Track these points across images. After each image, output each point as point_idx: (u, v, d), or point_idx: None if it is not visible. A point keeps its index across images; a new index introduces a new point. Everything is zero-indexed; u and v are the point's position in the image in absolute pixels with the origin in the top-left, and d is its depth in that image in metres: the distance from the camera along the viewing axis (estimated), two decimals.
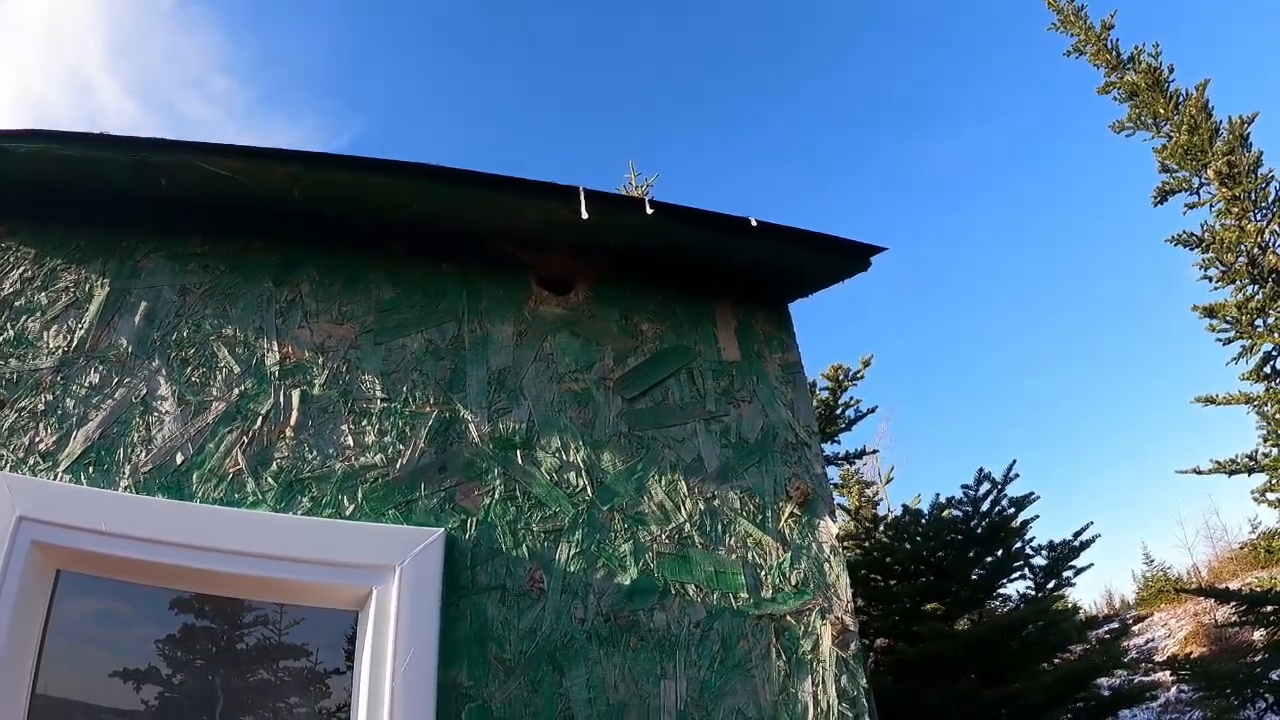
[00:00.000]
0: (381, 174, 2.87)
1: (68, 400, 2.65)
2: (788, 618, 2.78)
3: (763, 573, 2.84)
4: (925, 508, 7.55)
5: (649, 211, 2.97)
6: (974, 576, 7.19)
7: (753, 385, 3.22)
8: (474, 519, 2.69)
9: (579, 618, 2.62)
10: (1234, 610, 8.72)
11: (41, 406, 2.63)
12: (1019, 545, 7.24)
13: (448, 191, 2.98)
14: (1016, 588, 7.49)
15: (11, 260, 2.89)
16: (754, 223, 3.08)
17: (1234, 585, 9.74)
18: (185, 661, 2.58)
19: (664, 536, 2.82)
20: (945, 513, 7.31)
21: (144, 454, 2.60)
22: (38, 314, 2.79)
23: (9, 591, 2.34)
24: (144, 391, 2.71)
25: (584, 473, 2.87)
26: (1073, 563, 7.27)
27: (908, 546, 7.35)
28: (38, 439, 2.58)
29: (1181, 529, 43.99)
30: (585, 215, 2.89)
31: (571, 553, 2.72)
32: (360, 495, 2.65)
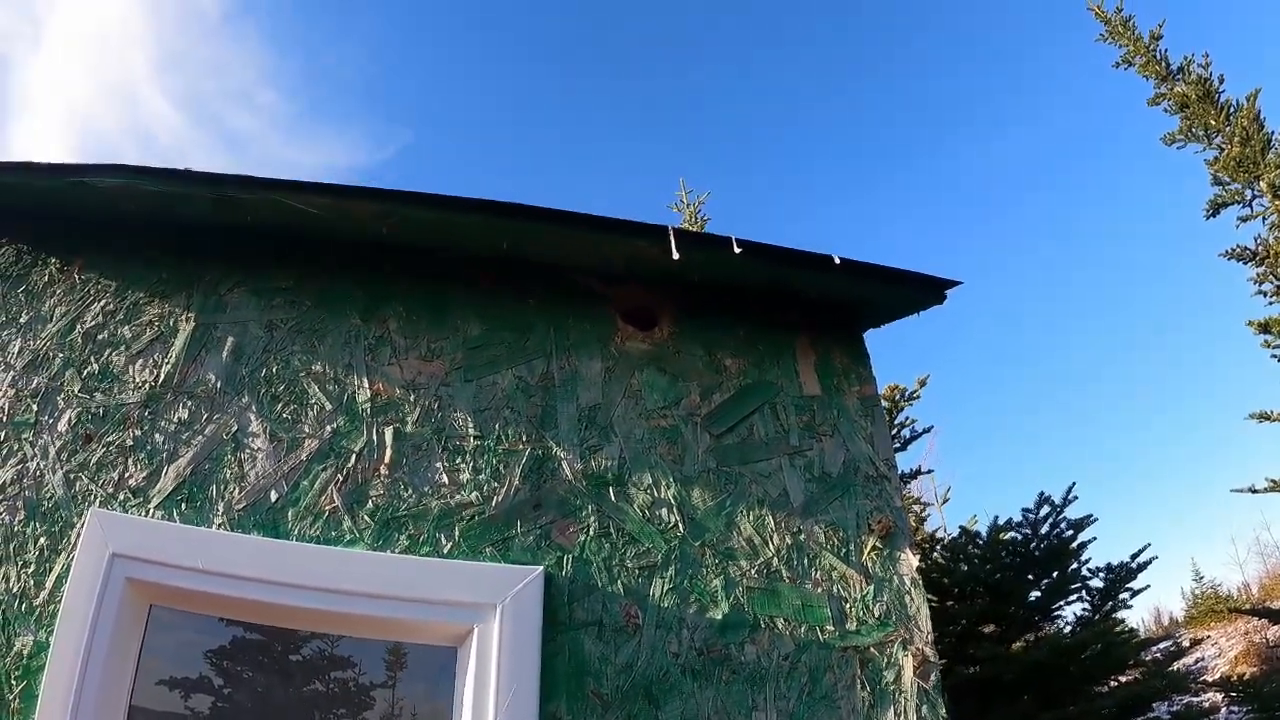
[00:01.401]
0: (471, 213, 2.87)
1: (156, 436, 2.66)
2: (871, 649, 2.76)
3: (847, 605, 2.82)
4: (983, 529, 7.47)
5: (736, 251, 2.95)
6: (1031, 599, 7.11)
7: (833, 419, 3.19)
8: (570, 556, 2.68)
9: (673, 652, 2.60)
10: None
11: (130, 442, 2.64)
12: (1075, 567, 7.15)
13: (537, 230, 2.97)
14: (1074, 610, 7.37)
15: (92, 293, 2.90)
16: (837, 260, 3.06)
17: None
18: (236, 673, 2.60)
19: (753, 571, 2.80)
20: (1004, 534, 7.24)
21: (237, 491, 2.60)
22: (122, 348, 2.80)
23: (104, 628, 2.36)
24: (234, 428, 2.71)
25: (675, 509, 2.85)
26: (1129, 584, 7.18)
27: (965, 568, 7.27)
28: (127, 474, 2.58)
29: (1233, 545, 43.24)
30: (676, 256, 2.87)
31: (665, 588, 2.70)
32: (457, 533, 2.64)
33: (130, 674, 2.40)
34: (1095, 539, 7.08)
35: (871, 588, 2.88)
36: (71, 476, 2.56)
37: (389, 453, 2.74)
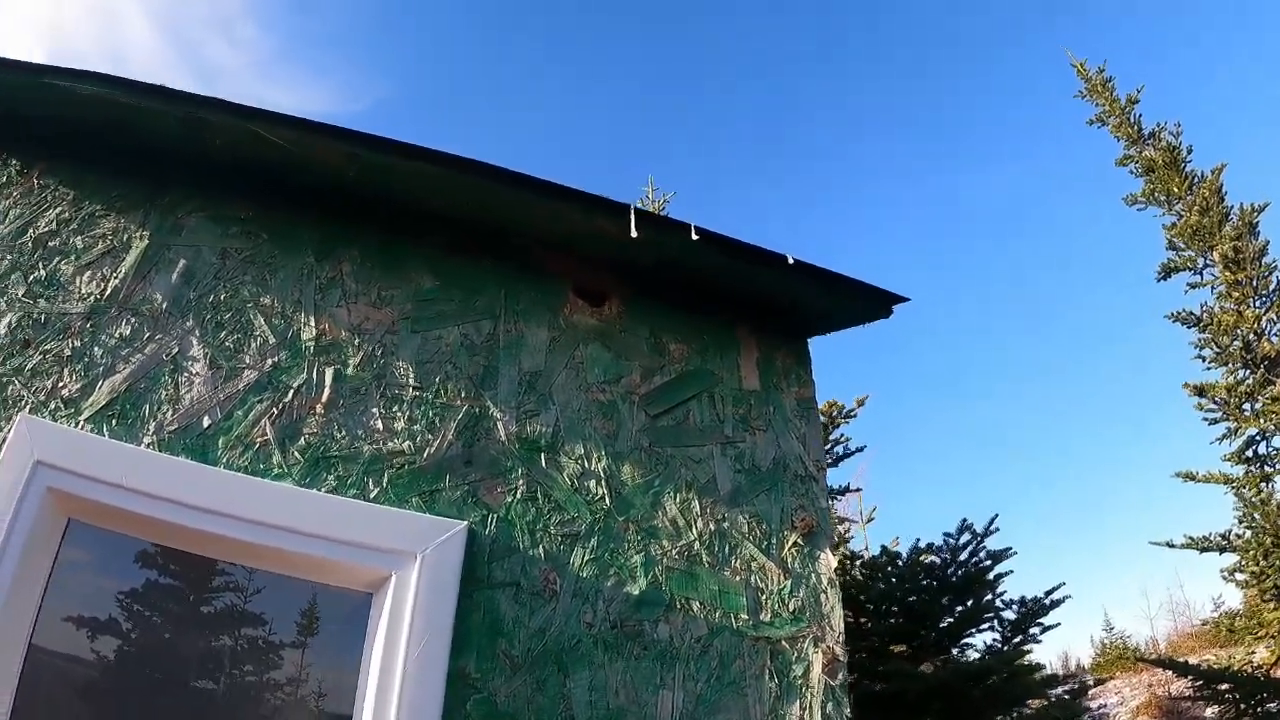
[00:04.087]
0: (440, 166, 2.89)
1: (95, 349, 2.65)
2: (783, 642, 2.83)
3: (763, 596, 2.89)
4: (904, 550, 7.61)
5: (694, 237, 3.00)
6: (943, 624, 7.26)
7: (769, 415, 3.27)
8: (495, 515, 2.71)
9: (587, 622, 2.65)
10: (1190, 684, 8.82)
11: (68, 352, 2.62)
12: (990, 598, 7.32)
13: (503, 193, 3.00)
14: (984, 639, 7.55)
15: (49, 199, 2.87)
16: (790, 260, 3.12)
17: (1192, 661, 9.85)
18: (145, 617, 2.56)
19: (674, 552, 2.86)
20: (924, 557, 7.38)
21: (170, 413, 2.60)
22: (72, 257, 2.78)
23: (18, 536, 2.32)
24: (175, 350, 2.70)
25: (604, 482, 2.90)
26: (1041, 620, 7.37)
27: (882, 586, 7.41)
28: (61, 384, 2.57)
29: (1146, 599, 44.23)
30: (635, 234, 2.92)
31: (586, 558, 2.75)
32: (386, 479, 2.66)
33: (39, 590, 2.35)
34: (1012, 571, 7.26)
35: (789, 582, 2.95)
36: (4, 380, 2.53)
37: (327, 392, 2.76)
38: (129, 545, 2.56)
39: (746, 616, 2.83)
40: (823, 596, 2.98)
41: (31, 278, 2.71)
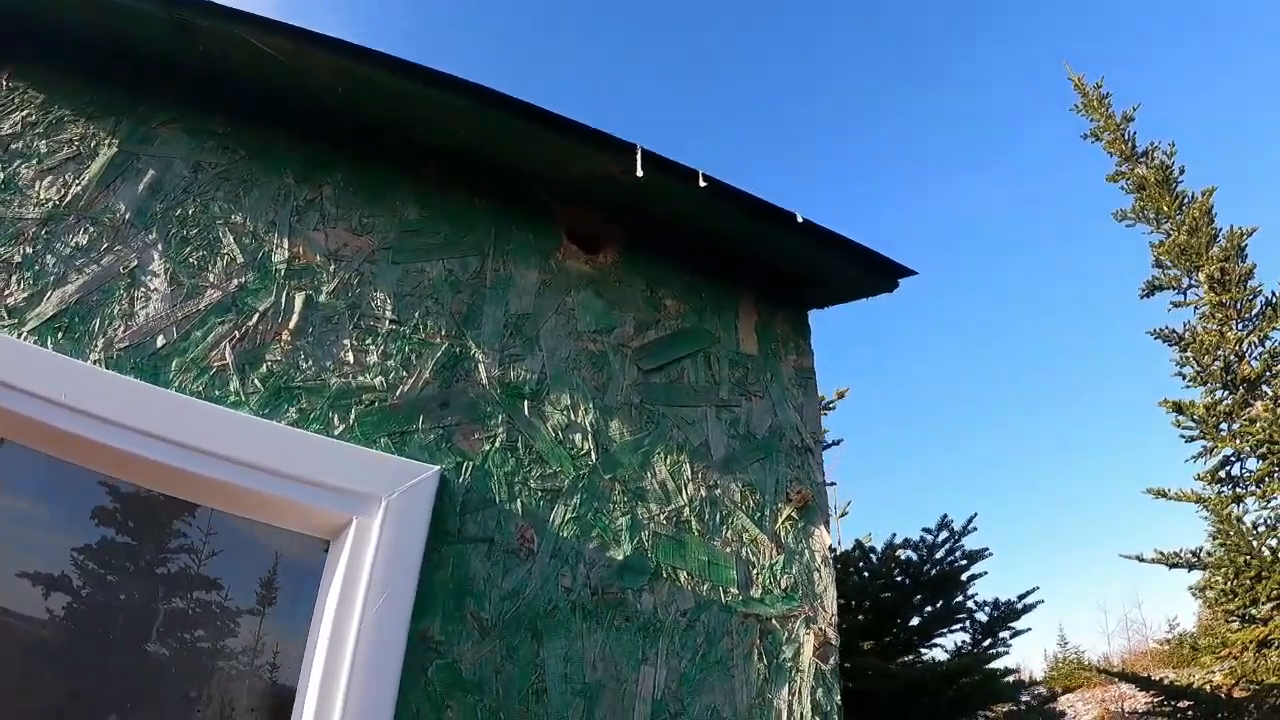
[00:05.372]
0: (437, 88, 2.68)
1: (48, 257, 2.42)
2: (773, 621, 2.66)
3: (754, 571, 2.72)
4: (878, 545, 7.49)
5: (702, 184, 2.83)
6: (913, 622, 7.15)
7: (766, 381, 3.10)
8: (470, 463, 2.51)
9: (565, 586, 2.46)
10: (1151, 699, 8.79)
11: (18, 259, 2.39)
12: (960, 599, 7.22)
13: (503, 122, 2.79)
14: (954, 640, 7.45)
15: (16, 102, 2.64)
16: (799, 218, 2.97)
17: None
18: (99, 576, 2.38)
19: (662, 517, 2.68)
20: (899, 553, 7.27)
21: (122, 329, 2.38)
22: (34, 161, 2.55)
23: None
24: (134, 264, 2.48)
25: (590, 436, 2.71)
26: (1012, 624, 7.28)
27: (855, 580, 7.29)
28: (7, 292, 2.34)
29: (1104, 615, 44.58)
30: (640, 173, 2.73)
31: (567, 516, 2.56)
32: (353, 416, 2.45)
33: None
34: (986, 573, 7.17)
35: (782, 558, 2.78)
36: None
37: (295, 319, 2.54)
38: (85, 501, 2.38)
39: (736, 591, 2.65)
40: (816, 575, 2.81)
41: None
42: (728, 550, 2.71)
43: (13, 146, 2.55)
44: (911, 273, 3.24)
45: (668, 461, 2.78)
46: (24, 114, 2.62)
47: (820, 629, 2.72)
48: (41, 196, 2.50)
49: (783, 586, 2.73)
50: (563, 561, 2.49)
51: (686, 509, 2.73)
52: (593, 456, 2.68)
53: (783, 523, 2.85)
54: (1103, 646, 24.19)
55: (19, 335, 2.30)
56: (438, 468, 2.42)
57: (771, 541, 2.80)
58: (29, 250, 2.41)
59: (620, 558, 2.56)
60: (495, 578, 2.39)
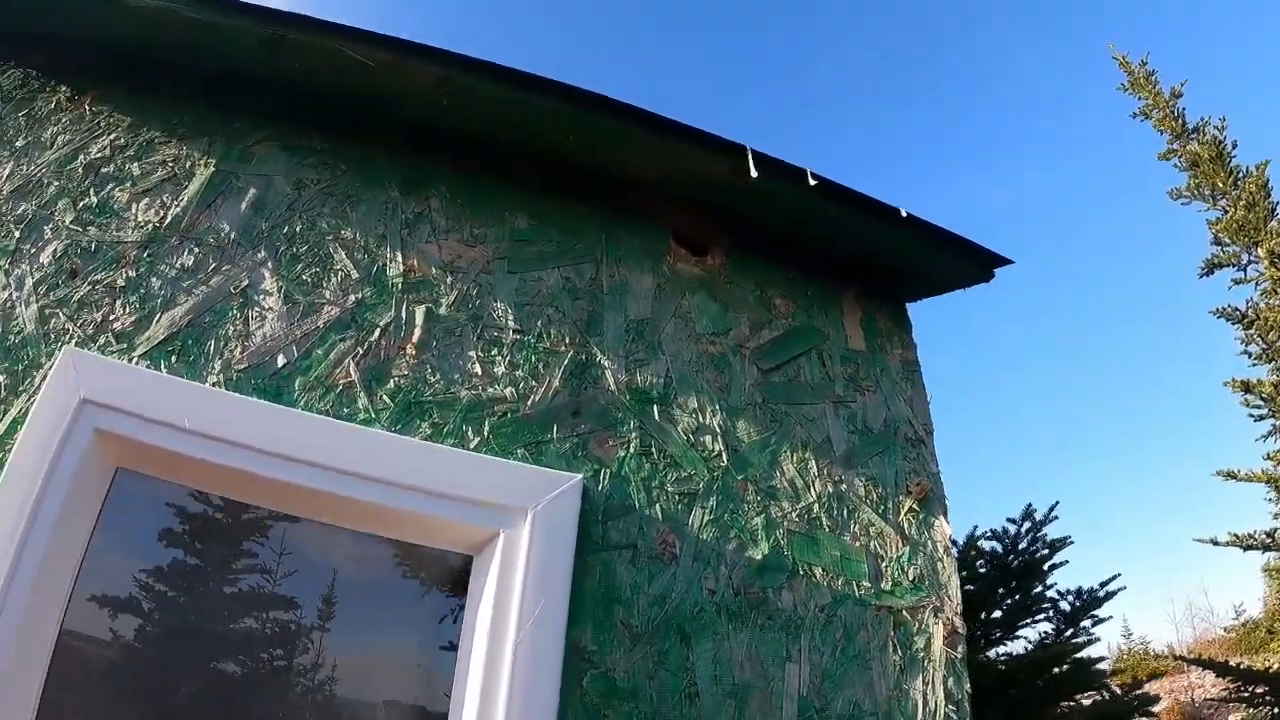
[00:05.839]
0: (545, 96, 2.63)
1: (153, 280, 2.35)
2: (904, 612, 2.61)
3: (883, 564, 2.66)
4: (959, 537, 7.37)
5: (811, 183, 2.77)
6: (996, 614, 7.03)
7: (876, 376, 3.05)
8: (608, 470, 2.44)
9: (710, 588, 2.39)
10: (1227, 686, 8.59)
11: (122, 282, 2.32)
12: (1040, 590, 7.09)
13: (613, 129, 2.75)
14: (1039, 629, 7.30)
15: (103, 125, 2.58)
16: (904, 213, 2.92)
17: None
18: (168, 598, 2.28)
19: (794, 514, 2.62)
20: (982, 543, 7.16)
21: (239, 350, 2.31)
22: (128, 184, 2.49)
23: (60, 481, 2.00)
24: (245, 283, 2.42)
25: (719, 438, 2.65)
26: (1094, 612, 7.17)
27: None
28: (113, 317, 2.27)
29: (1171, 604, 43.72)
30: (754, 174, 2.68)
31: (705, 519, 2.50)
32: (487, 428, 2.38)
33: (80, 551, 2.03)
34: (1068, 561, 7.04)
35: (907, 549, 2.73)
36: (47, 312, 2.23)
37: (418, 332, 2.47)
38: (151, 522, 2.26)
39: (868, 584, 2.59)
40: (939, 565, 2.74)
41: (81, 205, 2.41)
42: (857, 544, 2.66)
43: (104, 170, 2.50)
44: (1008, 262, 3.19)
45: (794, 459, 2.72)
46: (112, 137, 2.57)
47: (948, 618, 2.66)
48: (140, 219, 2.44)
49: (910, 578, 2.67)
50: (704, 564, 2.43)
51: (816, 505, 2.67)
52: (724, 458, 2.62)
53: (905, 515, 2.79)
54: (1169, 635, 23.70)
55: (130, 360, 2.22)
56: (579, 476, 2.35)
57: (896, 534, 2.74)
58: (132, 274, 2.35)
59: (759, 557, 2.50)
60: (641, 584, 2.32)
